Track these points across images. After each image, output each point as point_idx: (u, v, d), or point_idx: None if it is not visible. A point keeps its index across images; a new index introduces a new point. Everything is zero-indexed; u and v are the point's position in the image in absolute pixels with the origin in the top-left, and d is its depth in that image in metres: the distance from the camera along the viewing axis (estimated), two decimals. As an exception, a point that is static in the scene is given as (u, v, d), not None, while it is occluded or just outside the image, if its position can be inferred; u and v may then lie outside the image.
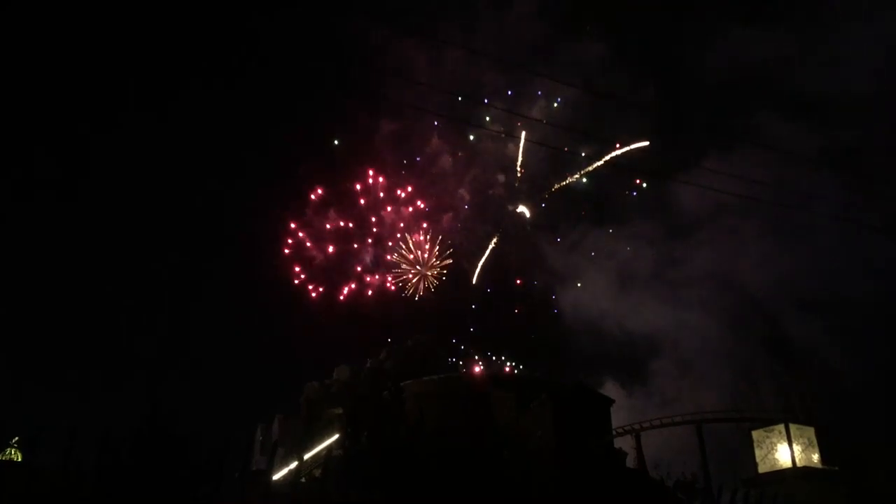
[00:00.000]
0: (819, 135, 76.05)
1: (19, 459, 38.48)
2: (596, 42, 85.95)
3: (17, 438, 40.29)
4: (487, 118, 79.50)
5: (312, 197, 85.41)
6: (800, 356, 61.88)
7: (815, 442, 37.99)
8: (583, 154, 76.23)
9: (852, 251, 62.71)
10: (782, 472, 36.05)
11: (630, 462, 51.77)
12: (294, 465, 56.80)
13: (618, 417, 55.68)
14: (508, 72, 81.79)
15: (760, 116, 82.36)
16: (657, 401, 68.28)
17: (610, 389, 69.96)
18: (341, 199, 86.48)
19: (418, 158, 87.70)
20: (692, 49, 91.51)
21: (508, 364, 71.65)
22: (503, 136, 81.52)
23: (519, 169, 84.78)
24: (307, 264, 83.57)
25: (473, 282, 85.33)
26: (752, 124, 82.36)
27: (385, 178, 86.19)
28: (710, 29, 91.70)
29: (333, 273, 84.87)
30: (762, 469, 37.45)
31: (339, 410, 63.79)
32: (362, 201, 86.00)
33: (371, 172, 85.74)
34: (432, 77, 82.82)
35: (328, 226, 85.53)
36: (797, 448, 36.74)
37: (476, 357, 73.15)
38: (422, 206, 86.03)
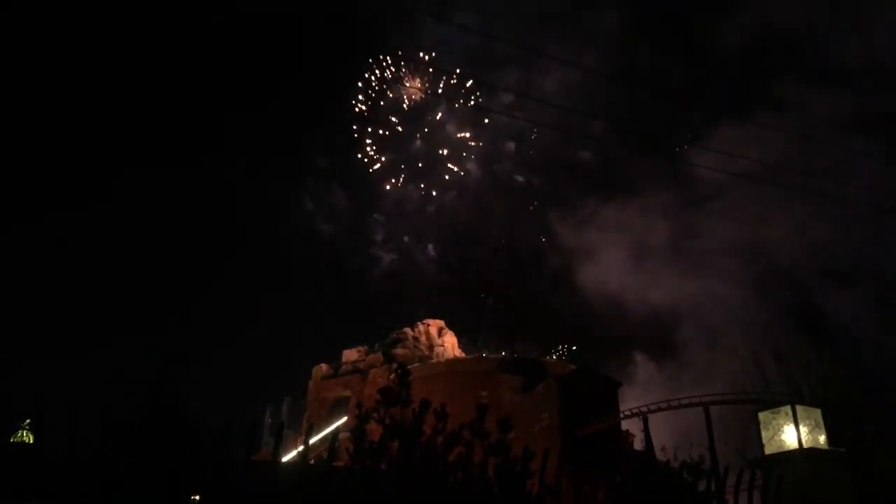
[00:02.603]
0: (849, 102, 74.38)
1: (31, 441, 38.91)
2: (615, 10, 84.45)
3: (28, 420, 40.69)
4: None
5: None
6: (826, 332, 61.04)
7: (821, 423, 37.92)
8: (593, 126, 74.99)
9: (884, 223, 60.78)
10: (788, 454, 36.02)
11: (637, 445, 51.93)
12: (301, 447, 57.45)
13: (649, 394, 55.27)
14: (523, 39, 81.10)
15: (786, 84, 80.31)
16: (689, 375, 67.38)
17: (640, 363, 69.69)
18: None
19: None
20: (714, 16, 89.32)
21: (523, 347, 71.55)
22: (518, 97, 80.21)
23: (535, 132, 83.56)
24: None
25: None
26: (778, 92, 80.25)
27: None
28: None
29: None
30: (768, 451, 37.40)
31: (348, 393, 64.26)
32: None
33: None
34: (442, 46, 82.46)
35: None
36: (804, 430, 36.67)
37: (487, 339, 73.19)
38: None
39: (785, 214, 71.73)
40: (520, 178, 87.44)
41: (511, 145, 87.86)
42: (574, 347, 72.48)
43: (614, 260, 79.73)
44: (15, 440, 39.21)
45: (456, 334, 72.73)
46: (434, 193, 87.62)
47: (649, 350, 74.25)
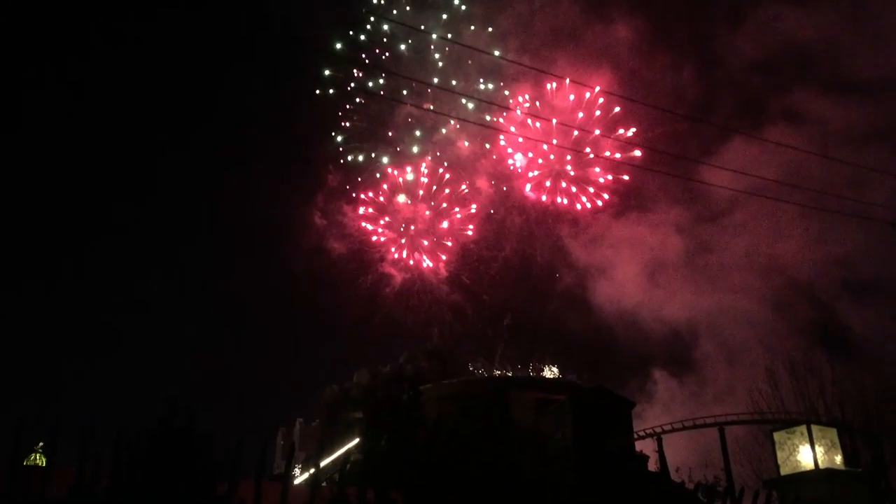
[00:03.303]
0: (867, 114, 73.54)
1: (44, 464, 38.96)
2: (627, 23, 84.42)
3: (41, 443, 40.78)
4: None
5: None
6: (846, 346, 60.16)
7: (837, 443, 37.46)
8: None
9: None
10: (804, 474, 35.58)
11: (652, 465, 51.50)
12: (313, 470, 57.24)
13: (669, 412, 54.82)
14: (535, 57, 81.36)
15: (802, 96, 79.43)
16: (711, 393, 66.57)
17: (660, 381, 69.09)
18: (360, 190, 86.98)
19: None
20: (726, 28, 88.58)
21: (539, 365, 71.06)
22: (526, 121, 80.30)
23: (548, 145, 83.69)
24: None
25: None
26: (793, 104, 79.39)
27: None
28: (746, 7, 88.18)
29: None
30: (784, 471, 36.97)
31: (359, 414, 64.06)
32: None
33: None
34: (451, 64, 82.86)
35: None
36: (819, 450, 36.22)
37: (501, 359, 72.76)
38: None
39: (802, 227, 70.99)
40: (531, 195, 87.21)
41: (524, 160, 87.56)
42: (591, 366, 71.86)
43: (629, 277, 79.22)
44: (28, 463, 39.29)
45: (469, 354, 72.52)
46: (444, 205, 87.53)
47: (669, 367, 73.60)
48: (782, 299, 71.75)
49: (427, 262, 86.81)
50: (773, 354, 59.38)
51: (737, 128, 75.15)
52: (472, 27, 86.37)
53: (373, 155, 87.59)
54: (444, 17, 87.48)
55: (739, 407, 54.15)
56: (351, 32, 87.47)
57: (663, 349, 75.80)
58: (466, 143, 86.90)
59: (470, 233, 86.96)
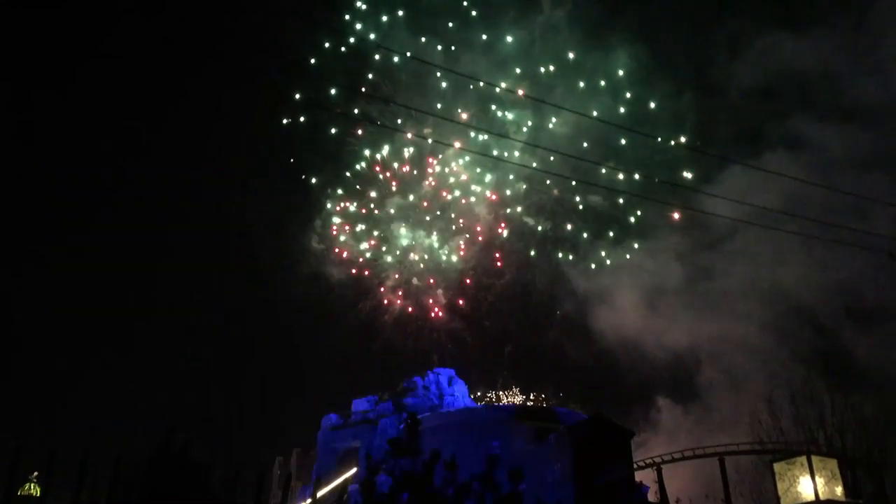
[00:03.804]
0: (867, 141, 73.77)
1: (38, 495, 38.64)
2: (625, 51, 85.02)
3: (35, 473, 40.51)
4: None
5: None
6: (849, 374, 59.90)
7: (838, 474, 37.27)
8: (604, 170, 74.67)
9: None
10: (805, 506, 35.46)
11: (652, 496, 51.10)
12: (310, 500, 56.71)
13: (675, 441, 54.54)
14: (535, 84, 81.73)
15: (801, 123, 79.66)
16: (716, 421, 66.24)
17: (665, 409, 68.79)
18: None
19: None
20: (725, 56, 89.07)
21: (540, 394, 70.58)
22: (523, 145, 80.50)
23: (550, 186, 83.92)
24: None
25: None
26: (792, 131, 79.63)
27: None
28: (745, 35, 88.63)
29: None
30: (785, 502, 36.80)
31: (357, 444, 63.67)
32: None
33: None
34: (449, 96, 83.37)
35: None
36: (820, 481, 36.04)
37: (503, 388, 72.42)
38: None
39: (804, 253, 70.99)
40: (530, 222, 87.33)
41: (522, 187, 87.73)
42: (594, 394, 71.47)
43: (629, 304, 79.06)
44: (22, 493, 38.98)
45: (468, 383, 72.16)
46: (437, 233, 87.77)
47: (672, 395, 73.22)
48: (784, 326, 71.51)
49: (426, 289, 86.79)
50: (773, 383, 59.31)
51: (735, 154, 75.23)
52: (471, 55, 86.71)
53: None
54: (450, 24, 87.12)
55: (742, 436, 53.96)
56: (326, 45, 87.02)
57: (666, 377, 75.51)
58: (463, 166, 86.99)
59: (468, 258, 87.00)
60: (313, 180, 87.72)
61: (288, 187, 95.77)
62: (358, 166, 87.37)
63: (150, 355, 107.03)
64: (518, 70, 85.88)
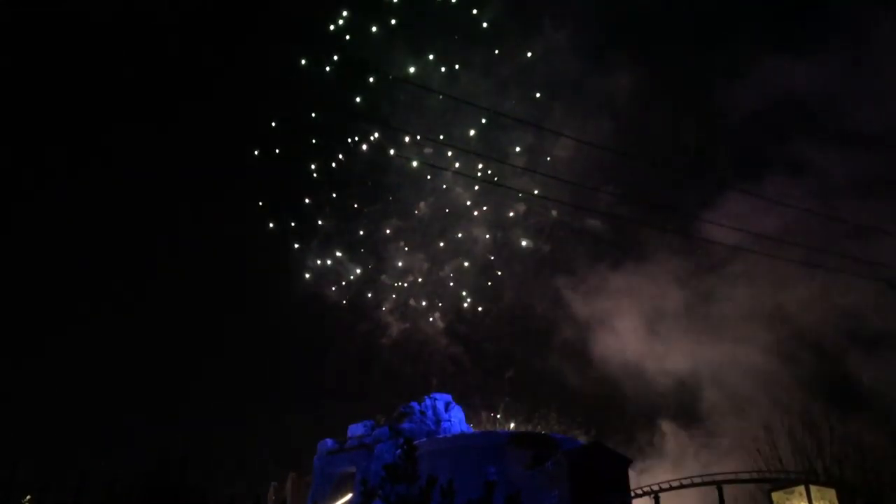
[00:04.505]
0: (869, 166, 73.45)
1: (31, 517, 38.45)
2: (624, 75, 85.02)
3: (28, 497, 40.29)
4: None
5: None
6: (853, 400, 59.40)
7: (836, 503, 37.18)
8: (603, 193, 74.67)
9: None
10: (804, 536, 35.25)
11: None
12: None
13: (680, 468, 53.87)
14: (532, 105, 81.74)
15: (802, 147, 79.05)
16: (722, 447, 65.58)
17: (669, 435, 68.22)
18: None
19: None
20: (725, 79, 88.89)
21: (542, 420, 70.11)
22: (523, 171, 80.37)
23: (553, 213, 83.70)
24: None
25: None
26: (793, 155, 79.27)
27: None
28: (746, 58, 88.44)
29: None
30: (784, 532, 36.65)
31: (353, 469, 63.26)
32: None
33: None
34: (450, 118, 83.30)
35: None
36: (819, 510, 35.95)
37: (503, 414, 72.03)
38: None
39: (806, 277, 70.67)
40: (530, 245, 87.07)
41: (520, 210, 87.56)
42: (595, 419, 70.93)
43: (629, 328, 78.62)
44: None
45: (466, 408, 71.86)
46: (436, 259, 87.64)
47: (677, 421, 72.52)
48: (787, 350, 70.94)
49: (425, 311, 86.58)
50: (772, 411, 58.86)
51: (735, 180, 75.37)
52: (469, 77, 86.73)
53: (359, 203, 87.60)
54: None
55: (743, 463, 53.60)
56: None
57: (669, 402, 74.84)
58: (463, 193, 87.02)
59: (466, 281, 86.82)
60: (307, 200, 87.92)
61: (281, 207, 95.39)
62: (353, 186, 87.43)
63: (146, 377, 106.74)
64: (518, 91, 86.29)
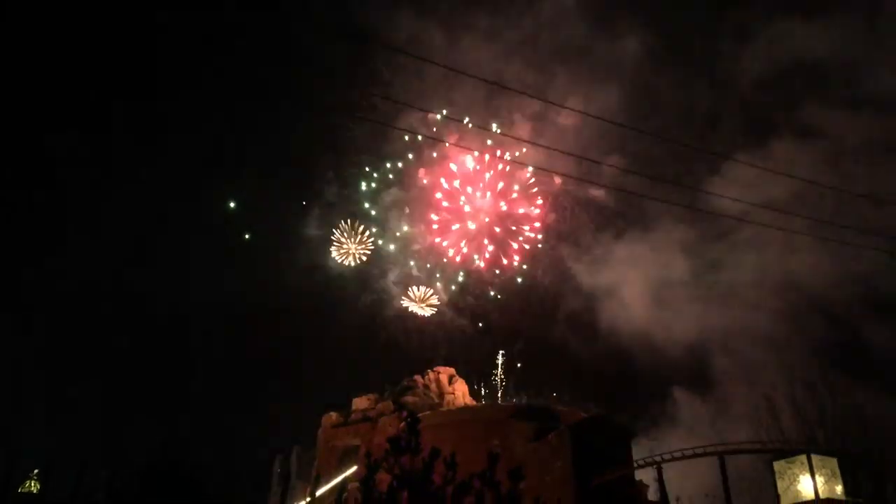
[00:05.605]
0: (879, 129, 72.57)
1: (36, 491, 38.81)
2: (634, 39, 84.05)
3: (36, 471, 40.65)
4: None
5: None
6: (862, 366, 58.95)
7: (838, 473, 37.21)
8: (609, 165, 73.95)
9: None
10: (805, 505, 35.42)
11: (652, 494, 51.00)
12: (309, 499, 56.73)
13: (694, 436, 54.22)
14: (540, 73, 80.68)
15: (812, 111, 78.18)
16: (734, 415, 65.29)
17: (682, 404, 67.91)
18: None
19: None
20: (734, 44, 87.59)
21: (550, 392, 70.20)
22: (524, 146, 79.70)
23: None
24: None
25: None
26: (803, 120, 78.23)
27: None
28: (755, 22, 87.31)
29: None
30: (784, 502, 36.74)
31: (357, 441, 63.61)
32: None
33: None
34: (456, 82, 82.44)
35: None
36: (820, 479, 35.98)
37: (509, 385, 71.89)
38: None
39: (815, 242, 70.08)
40: (534, 213, 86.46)
41: (525, 178, 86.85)
42: (604, 390, 70.78)
43: (637, 298, 78.23)
44: (23, 490, 39.14)
45: (469, 381, 71.87)
46: (437, 226, 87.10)
47: (689, 390, 72.23)
48: (796, 316, 70.20)
49: (428, 281, 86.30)
50: (778, 378, 58.43)
51: (745, 143, 74.30)
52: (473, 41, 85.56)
53: (367, 169, 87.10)
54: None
55: (753, 431, 53.45)
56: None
57: (680, 370, 74.51)
58: (473, 158, 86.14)
59: (470, 251, 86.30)
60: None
61: (284, 173, 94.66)
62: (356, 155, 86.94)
63: (150, 351, 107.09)
64: (523, 57, 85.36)
